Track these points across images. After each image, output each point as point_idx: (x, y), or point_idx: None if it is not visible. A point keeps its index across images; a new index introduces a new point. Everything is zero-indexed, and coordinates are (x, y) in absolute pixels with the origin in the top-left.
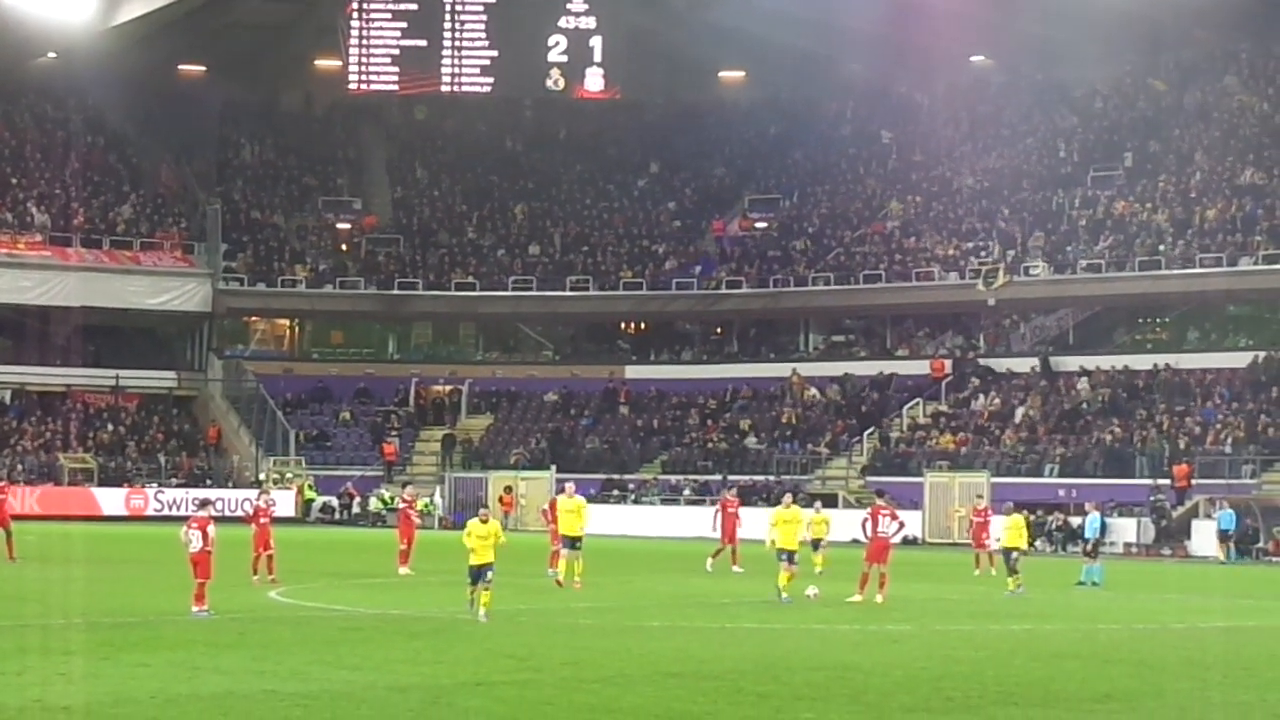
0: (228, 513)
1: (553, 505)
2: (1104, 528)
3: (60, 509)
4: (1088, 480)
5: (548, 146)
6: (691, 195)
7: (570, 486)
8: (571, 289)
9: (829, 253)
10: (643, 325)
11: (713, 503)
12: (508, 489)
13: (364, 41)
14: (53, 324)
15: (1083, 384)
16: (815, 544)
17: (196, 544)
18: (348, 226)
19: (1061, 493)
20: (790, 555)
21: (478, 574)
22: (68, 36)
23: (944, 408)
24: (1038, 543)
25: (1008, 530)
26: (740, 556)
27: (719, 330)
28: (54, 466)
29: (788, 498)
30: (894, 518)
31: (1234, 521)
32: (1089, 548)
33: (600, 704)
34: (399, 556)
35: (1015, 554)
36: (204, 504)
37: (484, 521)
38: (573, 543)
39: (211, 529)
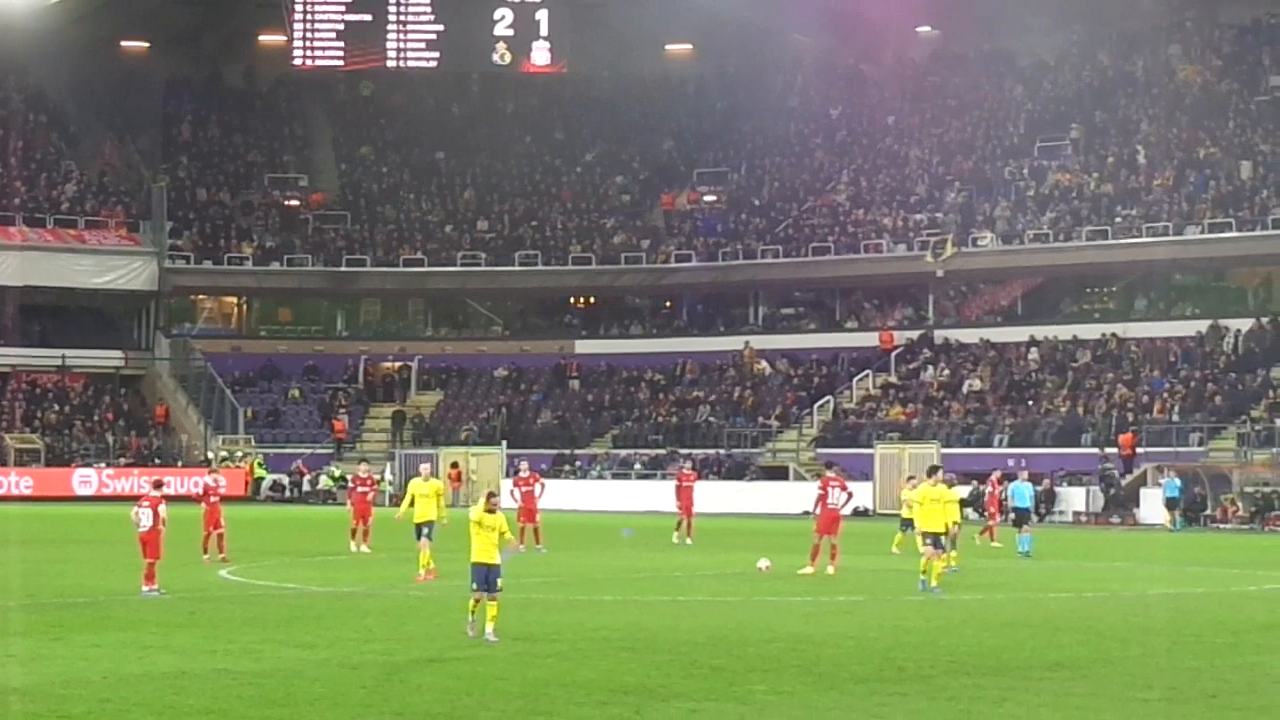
0: (178, 491)
1: (517, 482)
2: (1051, 497)
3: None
4: (1037, 450)
5: (495, 121)
6: (640, 169)
7: (425, 469)
8: (520, 264)
9: (778, 225)
10: (592, 300)
11: (664, 477)
12: (454, 465)
13: (308, 16)
14: None
15: (1032, 354)
16: (907, 524)
17: (146, 523)
18: (294, 203)
19: (1011, 462)
20: (936, 539)
21: (484, 576)
22: (8, 13)
23: (893, 379)
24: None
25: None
26: (694, 530)
27: (668, 304)
28: (0, 447)
29: (939, 473)
30: (843, 489)
31: (1179, 490)
32: (1021, 517)
33: (553, 678)
34: (350, 533)
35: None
36: (157, 484)
37: (492, 511)
38: (421, 530)
39: (163, 509)
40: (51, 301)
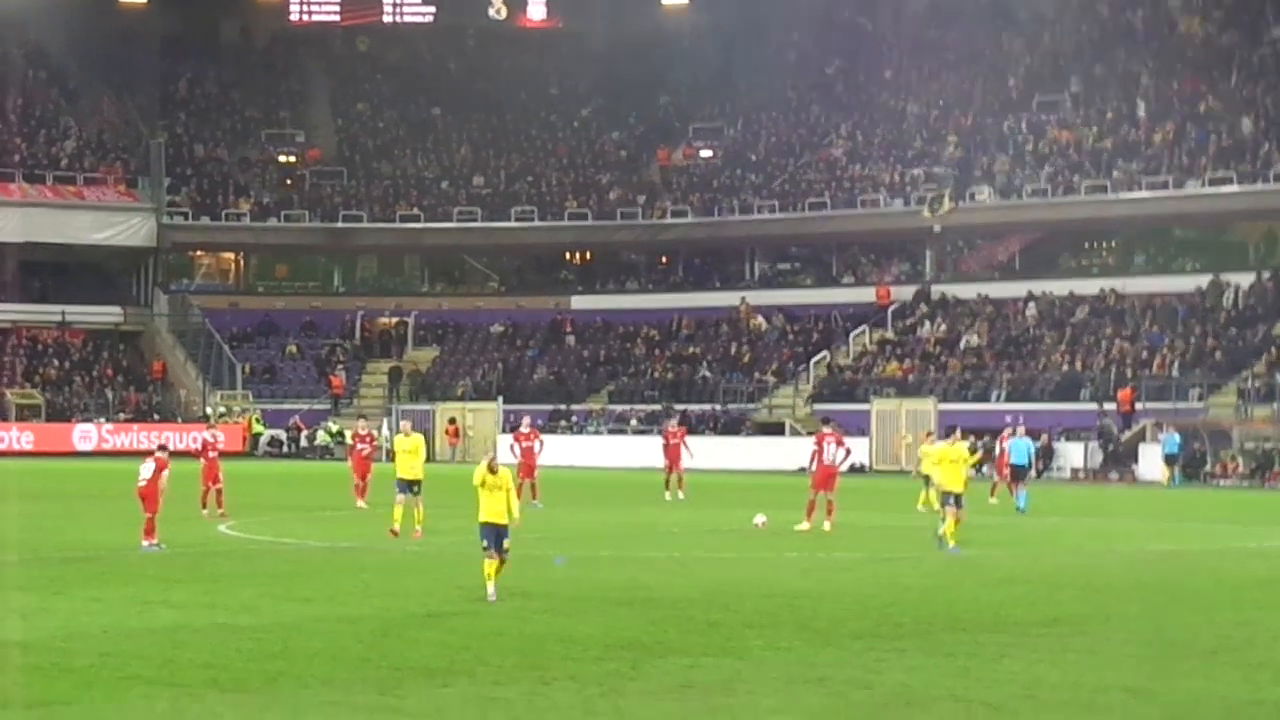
0: (176, 447)
1: (518, 437)
2: (1049, 453)
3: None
4: (1035, 405)
5: (491, 77)
6: (635, 125)
7: (406, 424)
8: (516, 220)
9: (774, 181)
10: (588, 255)
11: (660, 432)
12: (451, 420)
13: None
14: None
15: (1030, 310)
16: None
17: (145, 475)
18: (291, 159)
19: (1009, 418)
20: (957, 498)
21: (493, 535)
22: None
23: (890, 335)
24: (985, 468)
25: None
26: (686, 484)
27: (664, 260)
28: (0, 403)
29: (957, 433)
30: (840, 444)
31: (1179, 445)
32: (1017, 473)
33: (550, 633)
34: (353, 490)
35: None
36: (162, 448)
37: (493, 471)
38: (410, 486)
39: (166, 473)
40: (51, 258)
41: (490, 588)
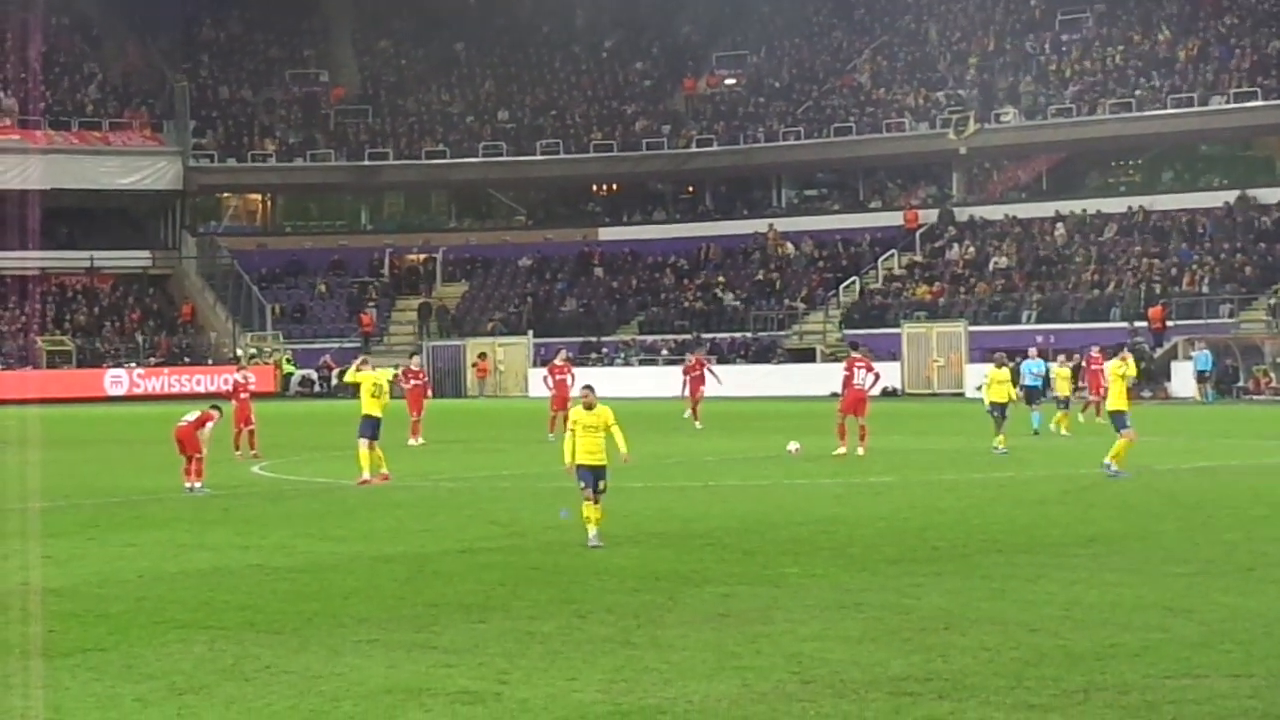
0: (208, 389)
1: (551, 370)
2: (1080, 372)
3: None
4: (1066, 325)
5: (513, 10)
6: (659, 55)
7: (359, 361)
8: (542, 153)
9: (799, 107)
10: (614, 187)
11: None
12: (481, 355)
13: None
14: (24, 207)
15: (1058, 229)
16: (1064, 402)
17: (188, 418)
18: (316, 98)
19: (1040, 339)
20: (1123, 417)
21: (590, 477)
22: None
23: (919, 258)
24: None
25: (995, 385)
26: (699, 415)
27: (691, 189)
28: (31, 350)
29: (1124, 350)
30: (869, 369)
31: (1211, 362)
32: (1031, 395)
33: (585, 566)
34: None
35: (1007, 408)
36: (215, 407)
37: (589, 408)
38: (377, 426)
39: (211, 425)
40: (78, 204)
41: (591, 532)
